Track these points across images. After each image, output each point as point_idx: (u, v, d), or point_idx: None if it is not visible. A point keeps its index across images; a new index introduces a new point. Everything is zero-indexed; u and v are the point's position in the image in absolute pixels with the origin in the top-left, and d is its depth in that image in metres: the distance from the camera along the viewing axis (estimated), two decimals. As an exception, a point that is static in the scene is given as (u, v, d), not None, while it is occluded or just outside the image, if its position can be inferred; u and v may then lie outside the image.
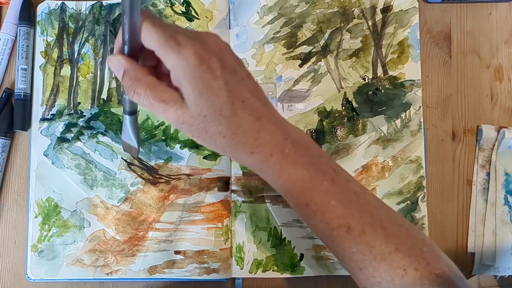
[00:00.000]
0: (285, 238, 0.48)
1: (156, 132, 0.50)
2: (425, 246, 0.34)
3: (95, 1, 0.51)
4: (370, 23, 0.50)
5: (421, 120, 0.49)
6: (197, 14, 0.51)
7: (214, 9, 0.51)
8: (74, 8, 0.51)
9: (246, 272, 0.47)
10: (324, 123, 0.49)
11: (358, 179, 0.49)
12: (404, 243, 0.34)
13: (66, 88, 0.50)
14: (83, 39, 0.51)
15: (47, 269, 0.48)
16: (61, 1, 0.51)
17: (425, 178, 0.49)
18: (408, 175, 0.49)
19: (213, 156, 0.49)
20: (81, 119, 0.50)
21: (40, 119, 0.50)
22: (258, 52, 0.50)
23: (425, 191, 0.49)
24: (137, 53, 0.33)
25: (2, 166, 0.49)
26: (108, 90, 0.50)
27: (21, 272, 0.49)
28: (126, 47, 0.32)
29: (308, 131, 0.49)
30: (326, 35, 0.50)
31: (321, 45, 0.50)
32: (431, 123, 0.50)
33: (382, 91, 0.50)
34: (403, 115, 0.49)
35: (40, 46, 0.51)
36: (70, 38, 0.51)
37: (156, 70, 0.34)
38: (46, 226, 0.48)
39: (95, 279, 0.48)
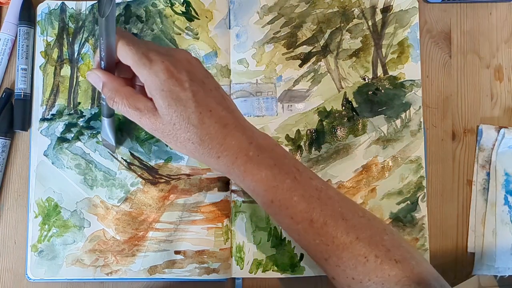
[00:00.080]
0: (285, 238, 0.48)
1: (156, 132, 0.50)
2: (385, 234, 0.37)
3: (95, 1, 0.51)
4: (370, 23, 0.50)
5: (421, 120, 0.49)
6: (197, 14, 0.51)
7: (214, 9, 0.51)
8: (74, 8, 0.51)
9: (246, 272, 0.47)
10: (324, 123, 0.50)
11: (358, 179, 0.49)
12: (365, 233, 0.36)
13: (66, 88, 0.50)
14: (83, 39, 0.51)
15: (47, 269, 0.48)
16: (61, 1, 0.51)
17: (425, 178, 0.49)
18: (408, 175, 0.49)
19: (213, 156, 0.49)
20: (81, 119, 0.50)
21: (40, 119, 0.50)
22: (258, 52, 0.50)
23: (425, 191, 0.49)
24: (113, 67, 0.37)
25: (2, 166, 0.49)
26: (108, 90, 0.50)
27: (21, 272, 0.49)
28: (103, 63, 0.37)
29: (308, 131, 0.49)
30: (326, 35, 0.50)
31: (321, 45, 0.50)
32: (431, 123, 0.50)
33: (382, 91, 0.50)
34: (403, 115, 0.49)
35: (40, 46, 0.51)
36: (70, 38, 0.51)
37: (133, 81, 0.39)
38: (46, 226, 0.48)
39: (95, 279, 0.48)
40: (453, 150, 0.50)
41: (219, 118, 0.36)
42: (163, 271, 0.48)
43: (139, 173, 0.49)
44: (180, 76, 0.34)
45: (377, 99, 0.50)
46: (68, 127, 0.50)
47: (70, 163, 0.49)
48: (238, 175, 0.37)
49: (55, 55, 0.51)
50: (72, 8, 0.51)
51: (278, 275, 0.48)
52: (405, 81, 0.50)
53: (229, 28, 0.50)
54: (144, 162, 0.49)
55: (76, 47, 0.51)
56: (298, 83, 0.50)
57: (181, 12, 0.51)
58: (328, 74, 0.50)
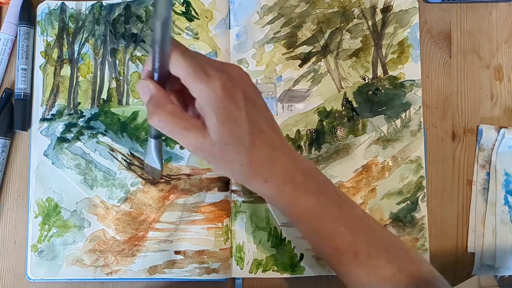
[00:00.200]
0: (285, 238, 0.48)
1: (156, 132, 0.50)
2: (422, 266, 0.37)
3: (95, 1, 0.51)
4: (370, 23, 0.50)
5: (421, 120, 0.49)
6: (197, 14, 0.51)
7: (214, 9, 0.51)
8: (74, 8, 0.51)
9: (246, 272, 0.47)
10: (324, 123, 0.49)
11: (358, 179, 0.49)
12: (405, 265, 0.36)
13: (66, 88, 0.50)
14: (83, 39, 0.51)
15: (47, 269, 0.48)
16: (61, 1, 0.51)
17: (425, 178, 0.49)
18: (408, 175, 0.49)
19: (213, 156, 0.49)
20: (81, 119, 0.50)
21: (40, 119, 0.50)
22: (258, 52, 0.50)
23: (425, 191, 0.49)
24: (165, 80, 0.34)
25: (2, 166, 0.49)
26: (108, 90, 0.50)
27: (21, 272, 0.49)
28: (156, 74, 0.33)
29: (308, 131, 0.49)
30: (326, 35, 0.50)
31: (321, 45, 0.50)
32: (431, 123, 0.50)
33: (382, 91, 0.50)
34: (403, 115, 0.49)
35: (40, 46, 0.51)
36: (70, 38, 0.51)
37: (181, 93, 0.36)
38: (46, 226, 0.48)
39: (95, 279, 0.48)
40: (453, 150, 0.50)
41: (269, 140, 0.35)
42: (163, 271, 0.48)
43: (139, 173, 0.49)
44: (236, 94, 0.32)
45: (377, 99, 0.50)
46: (68, 127, 0.50)
47: (70, 163, 0.49)
48: (284, 202, 0.36)
49: (55, 55, 0.51)
50: (72, 8, 0.51)
51: (278, 275, 0.48)
52: (405, 81, 0.50)
53: (229, 28, 0.50)
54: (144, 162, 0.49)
55: (76, 47, 0.51)
56: (298, 83, 0.50)
57: (181, 12, 0.51)
58: (328, 74, 0.50)
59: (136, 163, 0.49)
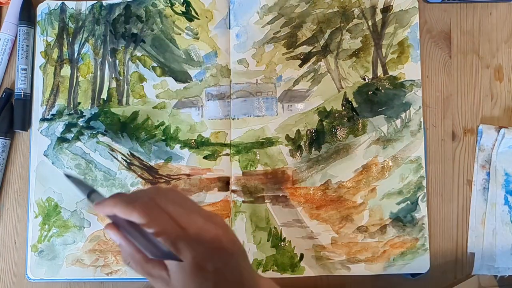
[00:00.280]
0: (285, 238, 0.48)
1: (156, 132, 0.50)
2: None
3: (95, 1, 0.51)
4: (370, 23, 0.50)
5: (421, 120, 0.49)
6: (197, 14, 0.51)
7: (214, 9, 0.51)
8: (74, 8, 0.51)
9: (246, 272, 0.47)
10: (324, 123, 0.49)
11: (358, 179, 0.49)
12: None
13: (66, 88, 0.50)
14: (83, 39, 0.51)
15: (47, 269, 0.48)
16: (61, 1, 0.51)
17: (425, 178, 0.49)
18: (408, 175, 0.49)
19: (213, 156, 0.49)
20: (81, 119, 0.50)
21: (40, 119, 0.50)
22: (258, 52, 0.50)
23: (425, 191, 0.49)
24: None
25: (2, 166, 0.49)
26: (108, 90, 0.50)
27: (21, 272, 0.49)
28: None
29: (308, 131, 0.49)
30: (326, 35, 0.50)
31: (321, 45, 0.50)
32: (431, 123, 0.50)
33: (382, 91, 0.50)
34: (403, 115, 0.49)
35: (40, 46, 0.51)
36: (70, 38, 0.51)
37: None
38: (46, 226, 0.48)
39: (95, 279, 0.48)
40: (453, 150, 0.50)
41: None
42: (163, 271, 0.48)
43: (139, 173, 0.49)
44: (206, 268, 0.32)
45: (377, 99, 0.50)
46: (68, 127, 0.50)
47: (70, 163, 0.49)
48: None
49: (55, 55, 0.51)
50: (72, 8, 0.51)
51: (278, 275, 0.48)
52: (405, 81, 0.50)
53: (229, 28, 0.50)
54: (144, 162, 0.49)
55: (76, 47, 0.51)
56: (298, 83, 0.50)
57: (181, 12, 0.51)
58: (328, 74, 0.50)
59: (136, 163, 0.49)
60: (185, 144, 0.49)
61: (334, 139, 0.49)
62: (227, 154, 0.49)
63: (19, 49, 0.50)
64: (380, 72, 0.50)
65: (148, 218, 0.32)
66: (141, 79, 0.50)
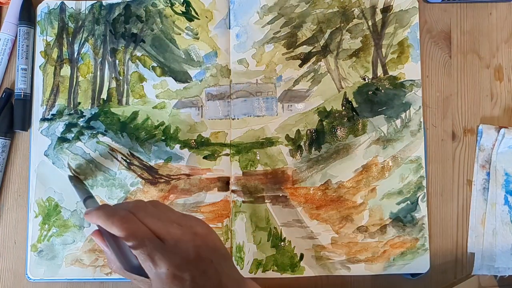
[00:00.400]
0: (285, 238, 0.48)
1: (156, 132, 0.50)
2: None
3: (95, 1, 0.51)
4: (370, 23, 0.50)
5: (421, 120, 0.49)
6: (197, 14, 0.51)
7: (214, 9, 0.51)
8: (74, 8, 0.51)
9: (246, 272, 0.47)
10: (324, 123, 0.49)
11: (358, 179, 0.49)
12: None
13: (66, 88, 0.50)
14: (83, 39, 0.51)
15: (46, 269, 0.48)
16: (60, 1, 0.51)
17: (425, 178, 0.49)
18: (408, 175, 0.49)
19: (213, 156, 0.49)
20: (81, 119, 0.50)
21: (40, 119, 0.50)
22: (258, 52, 0.50)
23: (425, 191, 0.49)
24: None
25: (2, 166, 0.49)
26: (108, 90, 0.50)
27: (21, 272, 0.49)
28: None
29: (308, 131, 0.49)
30: (326, 35, 0.50)
31: (321, 45, 0.50)
32: (431, 123, 0.50)
33: (382, 91, 0.50)
34: (403, 115, 0.49)
35: (40, 46, 0.51)
36: (70, 38, 0.51)
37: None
38: (46, 226, 0.48)
39: (94, 279, 0.48)
40: (453, 150, 0.50)
41: None
42: (163, 271, 0.48)
43: (139, 173, 0.49)
44: (183, 277, 0.33)
45: (377, 99, 0.50)
46: (68, 127, 0.50)
47: (70, 163, 0.49)
48: None
49: (55, 55, 0.51)
50: (71, 7, 0.51)
51: (278, 275, 0.48)
52: (405, 81, 0.50)
53: (229, 28, 0.50)
54: (144, 162, 0.49)
55: (76, 47, 0.51)
56: (298, 83, 0.50)
57: (181, 12, 0.51)
58: (328, 74, 0.50)
59: (136, 163, 0.49)
60: (185, 144, 0.49)
61: (334, 139, 0.49)
62: (227, 154, 0.49)
63: (19, 49, 0.50)
64: (380, 72, 0.50)
65: (126, 231, 0.33)
66: (141, 79, 0.50)
